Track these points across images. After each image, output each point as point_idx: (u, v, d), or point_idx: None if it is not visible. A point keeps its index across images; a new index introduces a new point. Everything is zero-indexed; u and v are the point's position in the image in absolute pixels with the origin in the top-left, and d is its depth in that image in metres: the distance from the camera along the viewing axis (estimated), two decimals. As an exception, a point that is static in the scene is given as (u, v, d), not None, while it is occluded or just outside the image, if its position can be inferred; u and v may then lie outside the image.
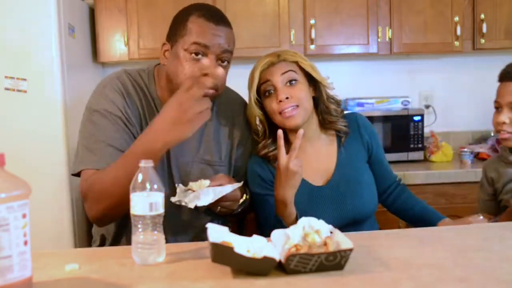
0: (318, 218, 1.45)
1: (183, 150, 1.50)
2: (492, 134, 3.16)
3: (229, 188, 1.34)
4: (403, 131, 2.81)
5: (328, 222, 1.32)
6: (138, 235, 1.07)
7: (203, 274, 1.01)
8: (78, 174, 1.42)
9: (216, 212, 1.43)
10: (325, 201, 1.55)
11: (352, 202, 1.54)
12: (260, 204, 1.56)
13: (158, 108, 1.47)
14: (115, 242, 1.54)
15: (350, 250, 1.00)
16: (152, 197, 1.05)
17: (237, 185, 1.37)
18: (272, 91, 1.52)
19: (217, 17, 1.41)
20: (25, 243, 0.89)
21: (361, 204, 1.55)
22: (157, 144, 1.24)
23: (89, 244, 2.30)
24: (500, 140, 1.49)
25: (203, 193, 1.30)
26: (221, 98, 1.57)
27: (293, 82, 1.52)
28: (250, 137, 1.63)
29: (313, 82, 1.58)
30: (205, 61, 1.38)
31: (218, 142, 1.56)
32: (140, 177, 1.05)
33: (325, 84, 1.58)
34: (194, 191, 1.32)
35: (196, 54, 1.37)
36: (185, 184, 1.40)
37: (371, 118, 2.59)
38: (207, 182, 1.33)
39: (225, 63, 1.43)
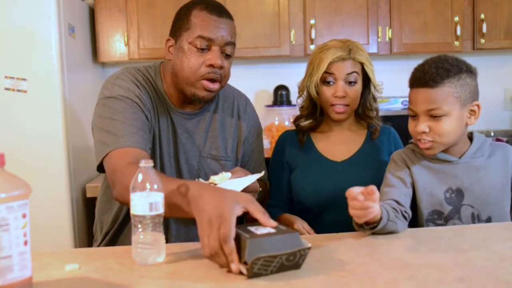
0: (322, 188, 1.63)
1: (190, 145, 1.53)
2: (492, 134, 3.16)
3: (252, 178, 1.35)
4: (403, 131, 2.79)
5: (329, 193, 1.54)
6: (138, 235, 1.07)
7: (203, 274, 1.01)
8: (102, 167, 1.37)
9: None
10: (333, 173, 1.64)
11: (356, 182, 1.57)
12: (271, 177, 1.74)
13: (165, 102, 1.51)
14: (117, 234, 1.55)
15: (309, 248, 1.01)
16: (152, 197, 1.05)
17: (259, 174, 1.38)
18: (332, 83, 1.62)
19: (219, 10, 1.44)
20: (25, 243, 0.89)
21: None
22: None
23: (89, 244, 2.30)
24: (422, 150, 1.40)
25: (227, 185, 1.30)
26: (226, 94, 1.62)
27: (353, 84, 1.62)
28: (256, 134, 1.69)
29: (365, 81, 1.67)
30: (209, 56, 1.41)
31: (224, 137, 1.59)
32: (140, 177, 1.05)
33: (378, 90, 1.70)
34: (215, 184, 1.33)
35: (201, 47, 1.40)
36: (205, 178, 1.42)
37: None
38: (228, 174, 1.35)
39: (230, 55, 1.46)
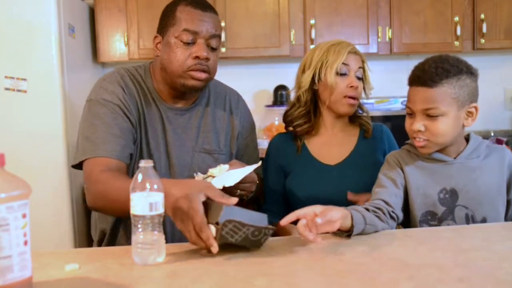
0: (317, 193, 1.59)
1: (183, 140, 1.55)
2: (492, 134, 3.17)
3: (249, 168, 1.37)
4: (403, 131, 2.80)
5: (325, 198, 1.47)
6: (138, 235, 1.07)
7: (203, 274, 1.01)
8: (78, 166, 1.44)
9: (235, 196, 1.43)
10: (327, 178, 1.62)
11: (350, 185, 1.59)
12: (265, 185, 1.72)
13: (155, 99, 1.53)
14: (114, 234, 1.56)
15: (273, 229, 1.13)
16: (152, 197, 1.05)
17: (256, 165, 1.40)
18: (345, 75, 1.62)
19: (203, 4, 1.49)
20: (25, 243, 0.89)
21: (358, 191, 1.57)
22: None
23: (89, 244, 2.30)
24: (417, 148, 1.40)
25: (225, 176, 1.33)
26: (218, 90, 1.65)
27: (360, 79, 1.65)
28: (250, 129, 1.71)
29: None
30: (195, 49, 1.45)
31: (216, 132, 1.61)
32: (140, 177, 1.05)
33: (367, 93, 1.71)
34: (214, 176, 1.35)
35: (187, 41, 1.45)
36: (200, 172, 1.45)
37: (371, 118, 2.61)
38: (226, 166, 1.37)
39: (216, 48, 1.50)
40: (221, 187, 1.29)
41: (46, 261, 1.10)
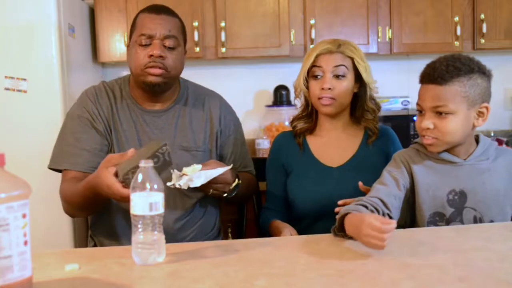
0: (317, 195, 1.60)
1: (160, 138, 1.60)
2: (492, 134, 3.17)
3: (218, 170, 1.44)
4: (403, 131, 2.81)
5: (325, 200, 1.46)
6: (138, 235, 1.07)
7: (203, 274, 1.01)
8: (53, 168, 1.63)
9: (208, 194, 1.54)
10: (328, 179, 1.62)
11: (351, 189, 1.55)
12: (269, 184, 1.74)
13: (132, 104, 1.65)
14: (98, 231, 1.67)
15: (164, 145, 1.23)
16: (152, 197, 1.05)
17: (226, 168, 1.47)
18: (319, 77, 1.62)
19: (158, 8, 1.62)
20: (25, 243, 0.89)
21: (358, 195, 1.53)
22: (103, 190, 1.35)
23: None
24: (425, 146, 1.39)
25: (195, 176, 1.41)
26: (198, 93, 1.74)
27: (341, 77, 1.61)
28: (233, 127, 1.75)
29: (360, 80, 1.65)
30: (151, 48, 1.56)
31: (193, 131, 1.68)
32: (140, 177, 1.05)
33: (371, 88, 1.67)
34: (187, 175, 1.42)
35: (145, 44, 1.56)
36: (178, 169, 1.50)
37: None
38: (199, 166, 1.45)
39: (174, 48, 1.59)
40: (186, 188, 1.40)
41: (46, 261, 1.11)
